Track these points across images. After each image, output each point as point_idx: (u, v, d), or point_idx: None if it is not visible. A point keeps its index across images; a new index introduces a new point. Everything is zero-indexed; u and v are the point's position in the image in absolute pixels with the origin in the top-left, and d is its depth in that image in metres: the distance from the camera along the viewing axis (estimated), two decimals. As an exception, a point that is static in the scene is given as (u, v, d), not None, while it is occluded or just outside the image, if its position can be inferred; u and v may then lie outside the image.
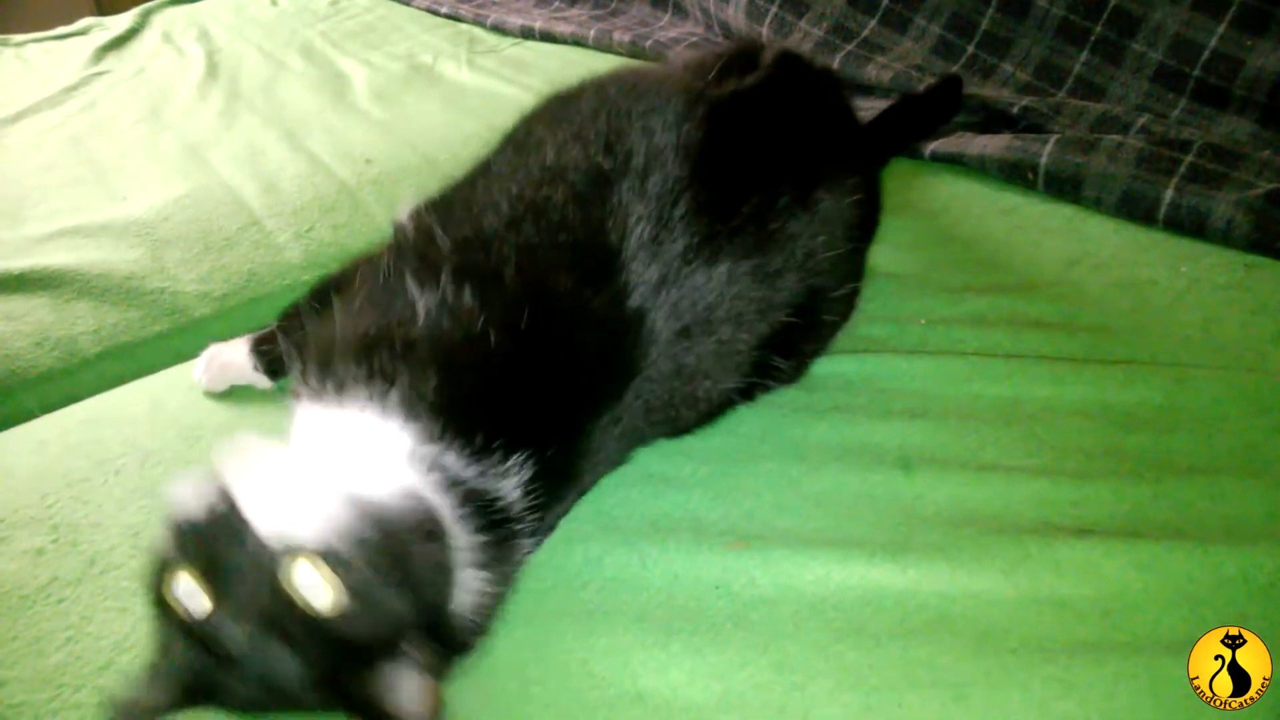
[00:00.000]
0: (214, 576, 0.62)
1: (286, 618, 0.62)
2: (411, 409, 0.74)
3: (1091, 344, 1.05)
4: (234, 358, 1.04)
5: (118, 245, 1.36)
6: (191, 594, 0.62)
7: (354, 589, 0.62)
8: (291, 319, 1.02)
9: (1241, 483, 0.87)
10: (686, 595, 0.80)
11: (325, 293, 0.96)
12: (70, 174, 1.58)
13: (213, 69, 1.97)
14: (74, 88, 1.91)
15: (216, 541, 0.64)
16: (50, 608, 0.83)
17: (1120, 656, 0.72)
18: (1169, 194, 1.22)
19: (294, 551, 0.62)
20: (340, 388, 0.77)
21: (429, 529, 0.70)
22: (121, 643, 0.80)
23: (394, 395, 0.75)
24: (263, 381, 1.04)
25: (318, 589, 0.62)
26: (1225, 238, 1.19)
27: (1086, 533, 0.82)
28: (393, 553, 0.65)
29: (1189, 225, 1.20)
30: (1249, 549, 0.79)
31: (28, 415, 1.11)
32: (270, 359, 1.03)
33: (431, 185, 1.48)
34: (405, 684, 0.64)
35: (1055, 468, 0.90)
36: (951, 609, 0.77)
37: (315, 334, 0.86)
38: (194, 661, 0.63)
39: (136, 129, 1.73)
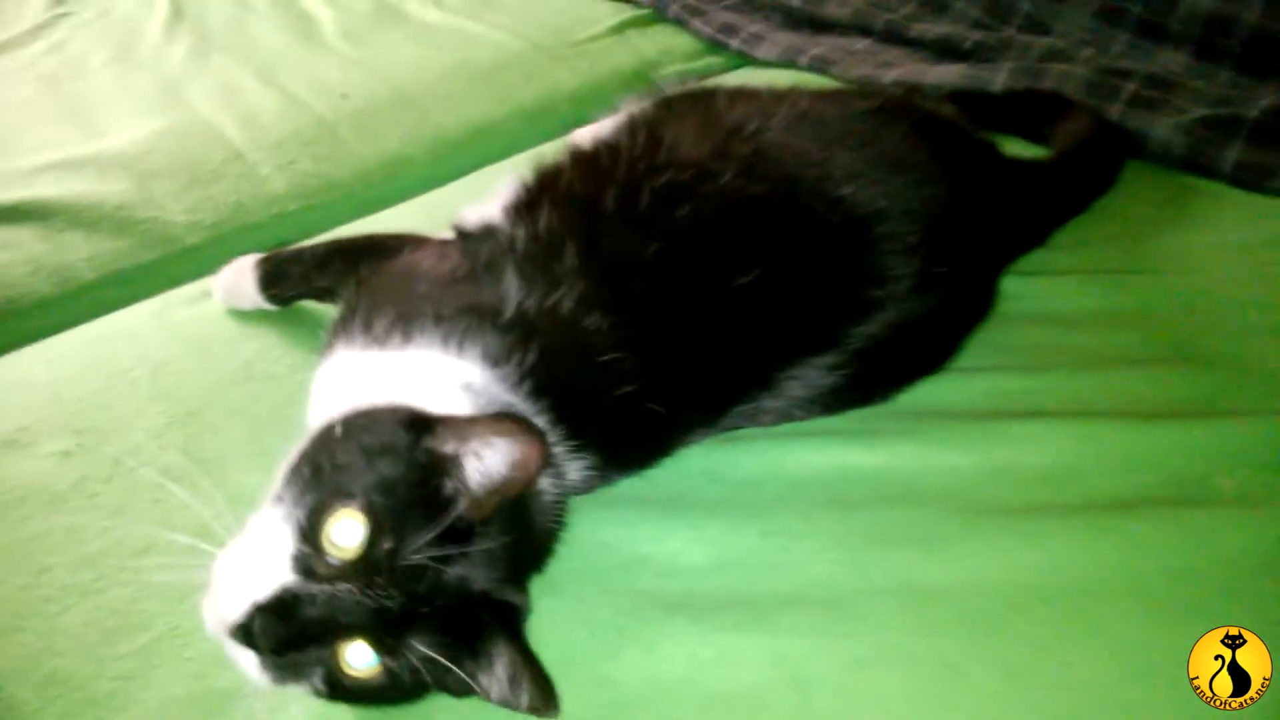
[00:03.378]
0: None
1: None
2: (495, 358, 0.79)
3: (1040, 258, 1.14)
4: (247, 291, 1.09)
5: (104, 178, 1.38)
6: None
7: None
8: (296, 265, 1.07)
9: (1176, 370, 0.97)
10: (681, 481, 0.88)
11: (354, 254, 1.02)
12: (47, 112, 1.59)
13: (178, 11, 1.95)
14: (40, 28, 1.88)
15: None
16: (84, 501, 0.88)
17: (1068, 514, 0.81)
18: (1114, 117, 1.31)
19: None
20: (407, 335, 0.81)
21: None
22: (160, 527, 0.85)
23: (478, 344, 0.80)
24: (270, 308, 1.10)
25: None
26: (1163, 158, 1.28)
27: (1037, 414, 0.91)
28: None
29: (1131, 146, 1.29)
30: (1181, 421, 0.89)
31: (27, 340, 1.15)
32: (280, 299, 1.09)
33: (407, 119, 1.54)
34: None
35: (1008, 364, 0.99)
36: (919, 481, 0.86)
37: (371, 291, 0.89)
38: None
39: (108, 69, 1.73)
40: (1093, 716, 0.67)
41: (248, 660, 0.66)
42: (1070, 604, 0.74)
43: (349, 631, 0.65)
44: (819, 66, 1.58)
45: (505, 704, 0.68)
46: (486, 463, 0.68)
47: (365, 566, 0.65)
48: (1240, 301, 1.05)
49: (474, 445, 0.68)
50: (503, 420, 0.70)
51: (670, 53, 1.74)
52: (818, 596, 0.76)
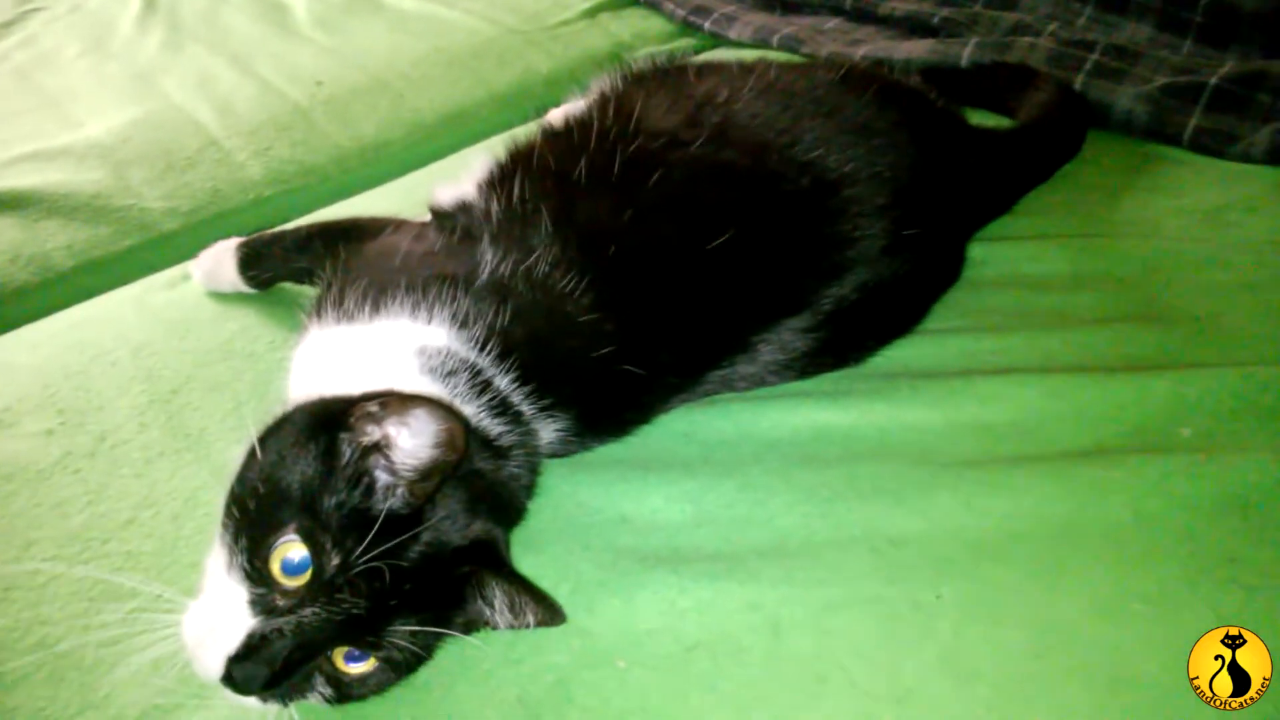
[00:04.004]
0: None
1: None
2: (465, 322, 0.80)
3: (1006, 225, 1.16)
4: (226, 274, 1.10)
5: (80, 167, 1.39)
6: None
7: None
8: (276, 247, 1.08)
9: (1138, 328, 0.99)
10: (659, 443, 0.90)
11: (333, 235, 1.02)
12: (20, 105, 1.59)
13: (150, 3, 1.96)
14: (10, 24, 1.89)
15: None
16: (67, 478, 0.89)
17: (1034, 464, 0.84)
18: (1077, 87, 1.33)
19: None
20: (376, 308, 0.82)
21: None
22: (142, 503, 0.86)
23: (447, 308, 0.80)
24: (250, 290, 1.11)
25: None
26: (1126, 127, 1.31)
27: (1004, 372, 0.93)
28: None
29: (1094, 116, 1.31)
30: (1143, 375, 0.91)
31: (8, 327, 1.15)
32: (258, 281, 1.10)
33: (383, 104, 1.56)
34: None
35: (976, 326, 1.01)
36: (889, 438, 0.88)
37: (346, 270, 0.89)
38: None
39: (81, 61, 1.73)
40: (1060, 652, 0.69)
41: (249, 700, 0.66)
42: (1037, 548, 0.77)
43: (329, 645, 0.66)
44: (790, 46, 1.60)
45: (514, 628, 0.71)
46: (411, 445, 0.67)
47: (320, 587, 0.65)
48: (1200, 262, 1.08)
49: (390, 428, 0.68)
50: (412, 398, 0.68)
51: (643, 35, 1.76)
52: (792, 547, 0.78)
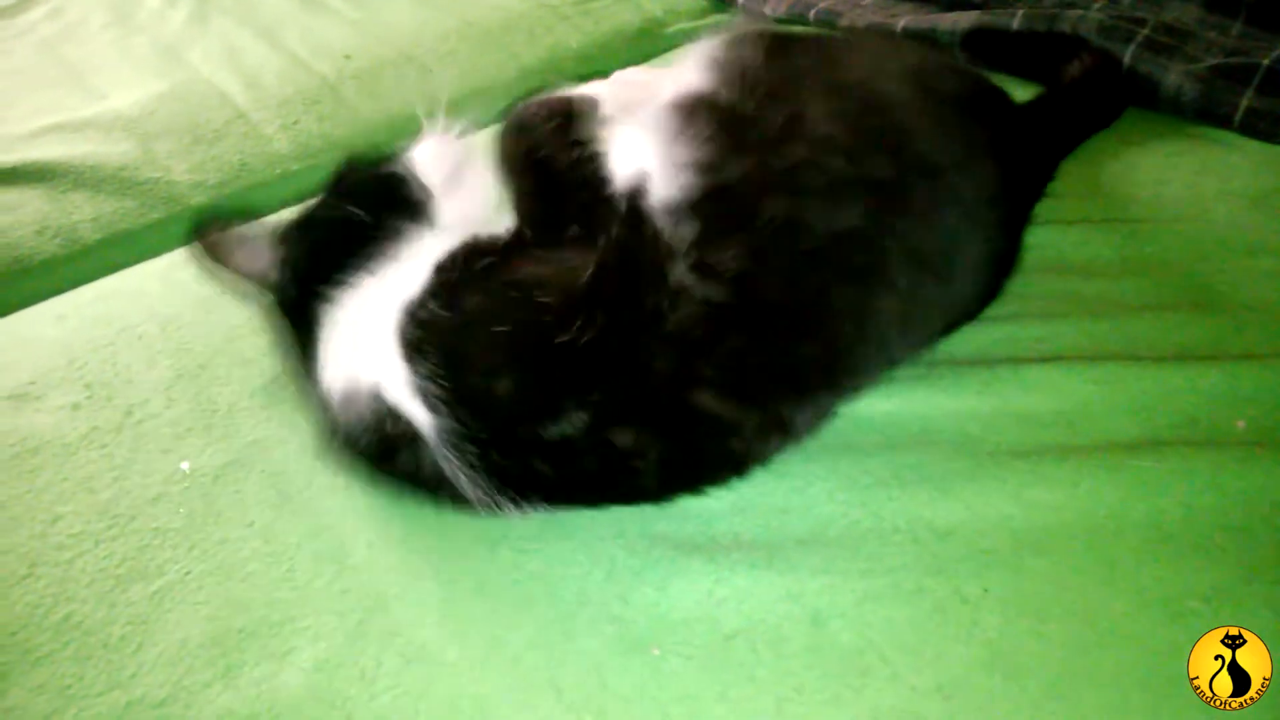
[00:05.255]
0: None
1: None
2: None
3: (1049, 207, 1.13)
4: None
5: (106, 139, 1.38)
6: None
7: None
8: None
9: (1188, 316, 0.96)
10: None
11: None
12: (46, 76, 1.59)
13: (177, -26, 1.95)
14: (35, -6, 1.89)
15: None
16: (94, 452, 0.88)
17: (1082, 454, 0.81)
18: (1126, 59, 1.29)
19: None
20: None
21: None
22: (170, 478, 0.85)
23: None
24: None
25: None
26: (1175, 106, 1.27)
27: (1051, 359, 0.91)
28: None
29: (1142, 93, 1.28)
30: (1195, 365, 0.88)
31: (35, 300, 1.14)
32: None
33: (411, 79, 1.53)
34: None
35: (1022, 312, 0.98)
36: (932, 425, 0.86)
37: None
38: None
39: (107, 33, 1.72)
40: (1112, 648, 0.67)
41: None
42: (1085, 540, 0.74)
43: None
44: (827, 20, 1.56)
45: None
46: None
47: None
48: (1252, 248, 1.04)
49: None
50: None
51: (675, 10, 1.73)
52: (832, 536, 0.76)
